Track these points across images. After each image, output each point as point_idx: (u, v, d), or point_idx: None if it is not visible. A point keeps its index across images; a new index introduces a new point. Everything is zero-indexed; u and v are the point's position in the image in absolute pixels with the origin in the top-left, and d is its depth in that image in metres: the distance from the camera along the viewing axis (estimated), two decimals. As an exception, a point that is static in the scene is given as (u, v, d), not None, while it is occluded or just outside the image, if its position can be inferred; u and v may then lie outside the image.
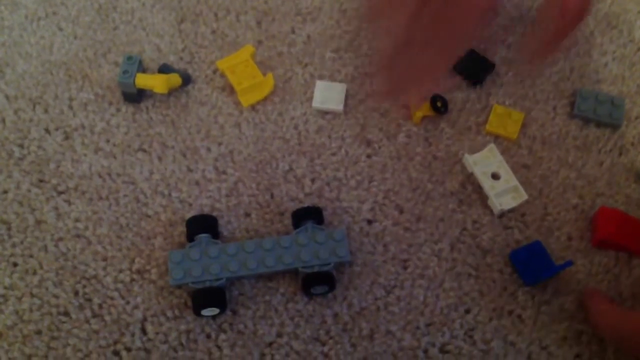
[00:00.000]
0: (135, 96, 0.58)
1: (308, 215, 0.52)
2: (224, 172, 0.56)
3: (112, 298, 0.51)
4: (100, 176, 0.56)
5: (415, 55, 0.44)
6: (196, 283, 0.49)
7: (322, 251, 0.50)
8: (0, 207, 0.54)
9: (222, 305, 0.49)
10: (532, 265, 0.51)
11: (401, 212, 0.55)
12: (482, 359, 0.49)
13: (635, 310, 0.51)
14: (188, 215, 0.53)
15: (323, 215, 0.53)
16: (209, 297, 0.48)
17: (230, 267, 0.50)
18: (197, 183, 0.56)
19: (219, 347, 0.49)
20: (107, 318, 0.50)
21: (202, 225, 0.52)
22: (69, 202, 0.54)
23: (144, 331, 0.50)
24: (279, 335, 0.50)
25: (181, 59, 0.62)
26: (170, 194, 0.55)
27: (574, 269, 0.53)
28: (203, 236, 0.51)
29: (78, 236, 0.53)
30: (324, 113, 0.60)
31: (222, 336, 0.49)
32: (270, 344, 0.49)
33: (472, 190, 0.56)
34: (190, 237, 0.52)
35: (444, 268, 0.53)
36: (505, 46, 0.63)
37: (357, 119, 0.59)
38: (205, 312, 0.49)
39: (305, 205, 0.54)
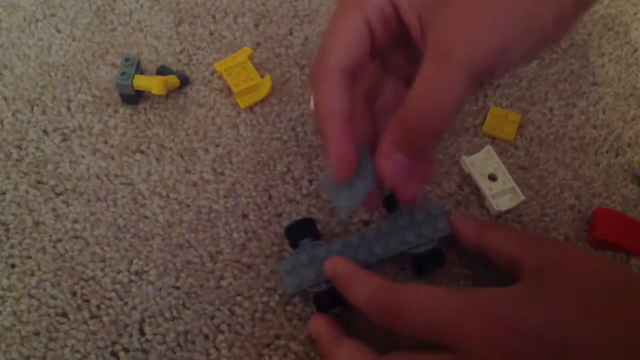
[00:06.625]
0: (133, 98, 0.58)
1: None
2: (222, 174, 0.56)
3: (110, 299, 0.51)
4: (98, 177, 0.56)
5: None
6: (313, 287, 0.49)
7: (424, 229, 0.50)
8: (-2, 208, 0.54)
9: (345, 302, 0.47)
10: None
11: (399, 213, 0.55)
12: None
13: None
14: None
15: None
16: (331, 299, 0.48)
17: None
18: (194, 184, 0.56)
19: (217, 348, 0.49)
20: (105, 319, 0.50)
21: (303, 230, 0.51)
22: (67, 204, 0.54)
23: (142, 332, 0.50)
24: (277, 336, 0.50)
25: (179, 60, 0.62)
26: (168, 195, 0.55)
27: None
28: (306, 240, 0.50)
29: (76, 237, 0.53)
30: (321, 114, 0.60)
31: (220, 337, 0.49)
32: (268, 345, 0.49)
33: (469, 191, 0.56)
34: (294, 244, 0.51)
35: (441, 268, 0.53)
36: (502, 48, 0.64)
37: (354, 121, 0.59)
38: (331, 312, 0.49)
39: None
